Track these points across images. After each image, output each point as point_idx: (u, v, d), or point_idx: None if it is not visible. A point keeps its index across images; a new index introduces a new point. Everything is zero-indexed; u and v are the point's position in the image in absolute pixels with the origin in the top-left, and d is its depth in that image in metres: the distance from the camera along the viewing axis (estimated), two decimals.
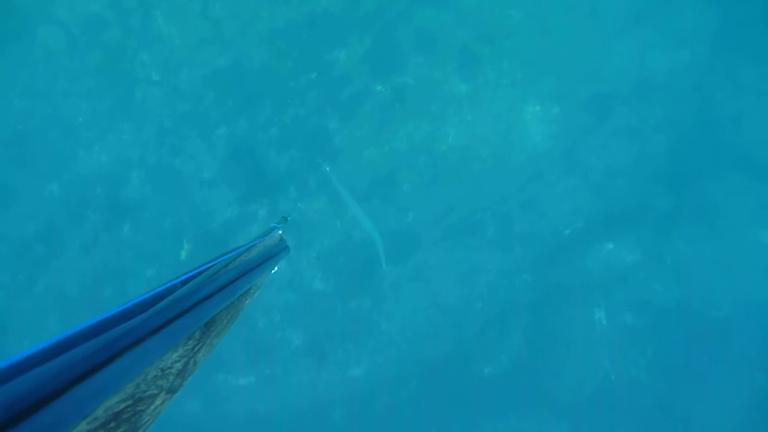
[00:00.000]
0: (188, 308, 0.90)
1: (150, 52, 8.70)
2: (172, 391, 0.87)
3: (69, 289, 9.92)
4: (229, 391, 10.31)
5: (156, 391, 0.81)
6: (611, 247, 9.99)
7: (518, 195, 9.77)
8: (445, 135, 9.23)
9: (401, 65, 8.95)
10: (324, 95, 9.13)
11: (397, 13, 8.78)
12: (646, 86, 9.01)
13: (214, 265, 1.18)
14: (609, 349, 10.27)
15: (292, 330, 10.20)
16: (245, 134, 9.27)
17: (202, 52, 8.82)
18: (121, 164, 9.29)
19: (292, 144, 9.29)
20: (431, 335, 10.51)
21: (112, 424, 0.67)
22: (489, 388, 10.77)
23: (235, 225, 9.55)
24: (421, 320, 10.34)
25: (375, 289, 10.03)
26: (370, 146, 9.26)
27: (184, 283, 1.02)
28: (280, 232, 1.70)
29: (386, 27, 8.83)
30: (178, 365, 0.90)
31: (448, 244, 9.95)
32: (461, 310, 10.45)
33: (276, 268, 1.52)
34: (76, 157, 9.16)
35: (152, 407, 0.80)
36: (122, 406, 0.71)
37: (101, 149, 9.14)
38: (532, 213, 9.88)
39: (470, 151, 9.33)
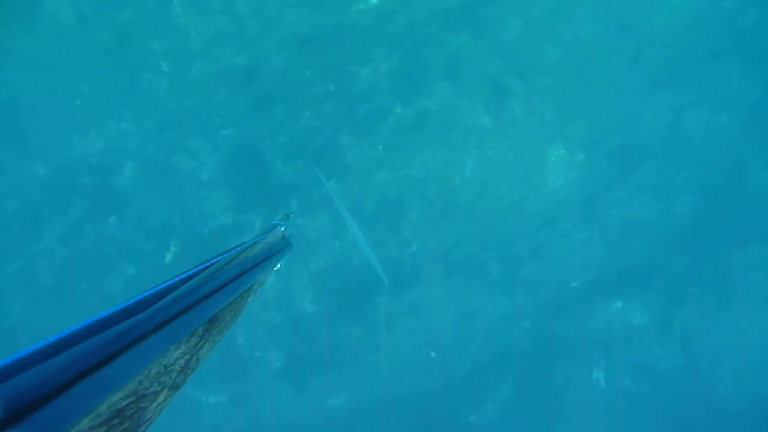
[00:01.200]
0: (192, 305, 0.88)
1: (163, 41, 8.15)
2: (174, 387, 0.85)
3: (42, 277, 9.27)
4: (197, 408, 9.66)
5: (159, 388, 0.79)
6: (619, 306, 9.49)
7: (529, 239, 9.26)
8: (462, 167, 8.73)
9: (426, 89, 8.47)
10: (340, 109, 8.63)
11: (429, 35, 8.32)
12: (678, 144, 8.58)
13: (217, 261, 1.15)
14: (604, 412, 9.73)
15: (273, 350, 9.59)
16: (252, 138, 8.73)
17: (219, 48, 8.29)
18: (116, 153, 8.71)
19: (300, 155, 8.76)
20: (419, 373, 9.94)
21: (115, 421, 0.67)
22: None
23: (229, 232, 8.97)
24: (411, 356, 9.77)
25: (367, 319, 9.46)
26: (381, 168, 8.75)
27: (187, 279, 0.99)
28: (283, 229, 1.66)
29: (415, 47, 8.35)
30: (181, 362, 0.89)
31: (449, 281, 9.41)
32: (454, 350, 9.89)
33: (279, 265, 1.51)
34: (69, 139, 8.57)
35: (155, 404, 0.79)
36: (125, 402, 0.69)
37: (97, 135, 8.56)
38: (541, 260, 9.38)
39: (486, 188, 8.84)
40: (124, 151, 8.69)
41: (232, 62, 8.34)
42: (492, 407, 10.12)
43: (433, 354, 9.60)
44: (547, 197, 8.95)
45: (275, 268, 1.48)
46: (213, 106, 8.63)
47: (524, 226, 9.16)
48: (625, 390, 9.72)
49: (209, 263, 1.12)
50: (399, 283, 9.32)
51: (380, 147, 8.70)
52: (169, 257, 9.04)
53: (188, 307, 0.87)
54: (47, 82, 8.35)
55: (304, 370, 9.68)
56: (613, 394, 9.74)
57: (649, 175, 8.85)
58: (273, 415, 10.02)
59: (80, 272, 8.92)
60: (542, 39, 8.02)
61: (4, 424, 0.47)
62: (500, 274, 9.44)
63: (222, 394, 9.70)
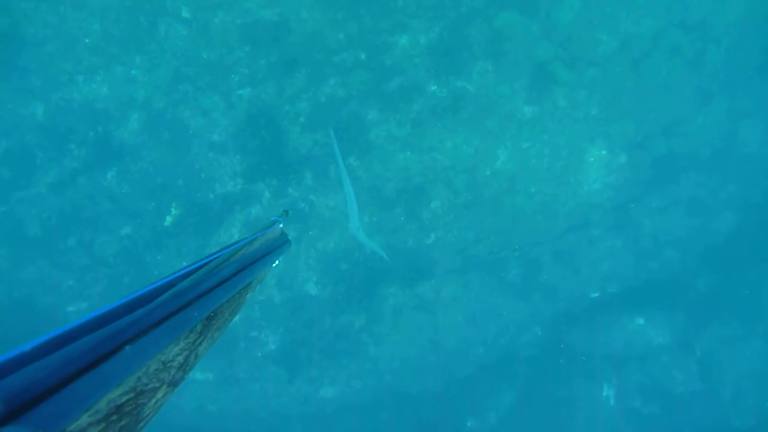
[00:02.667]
0: (190, 301, 0.87)
1: None
2: (173, 384, 0.85)
3: (28, 226, 8.56)
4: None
5: (157, 384, 0.79)
6: (641, 322, 8.95)
7: (554, 242, 8.67)
8: (494, 158, 8.10)
9: (465, 68, 7.81)
10: (370, 81, 7.95)
11: (475, 8, 7.64)
12: (728, 156, 7.99)
13: (216, 258, 1.11)
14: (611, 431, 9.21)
15: (269, 332, 8.97)
16: (271, 102, 8.05)
17: None
18: (122, 102, 8.00)
19: (321, 126, 8.09)
20: (420, 371, 9.36)
21: (114, 417, 0.67)
22: None
23: (235, 201, 8.31)
24: (414, 353, 9.18)
25: (373, 309, 8.85)
26: (407, 150, 8.10)
27: (186, 276, 0.96)
28: (281, 225, 1.61)
29: (459, 21, 7.68)
30: (180, 358, 0.87)
31: (464, 278, 8.81)
32: (460, 351, 9.32)
33: (277, 262, 1.48)
34: (72, 81, 7.84)
35: (153, 400, 0.78)
36: (124, 399, 0.69)
37: (104, 79, 7.84)
38: (564, 265, 8.80)
39: (517, 182, 8.22)
40: (131, 101, 7.98)
41: (259, 15, 7.64)
42: (493, 415, 9.57)
43: None
44: (580, 199, 8.34)
45: (273, 265, 1.47)
46: (232, 62, 7.93)
47: (551, 228, 8.56)
48: (634, 411, 9.20)
49: (208, 259, 1.10)
50: (411, 274, 8.70)
51: (408, 126, 8.05)
52: (169, 220, 8.37)
53: (187, 303, 0.86)
54: (54, 15, 7.61)
55: (299, 356, 9.07)
56: (622, 414, 9.21)
57: (690, 186, 8.26)
58: (260, 399, 9.42)
59: (70, 226, 8.24)
60: (599, 26, 7.36)
61: (4, 420, 0.47)
62: (519, 276, 8.85)
63: (210, 372, 9.07)
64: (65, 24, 7.62)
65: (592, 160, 8.06)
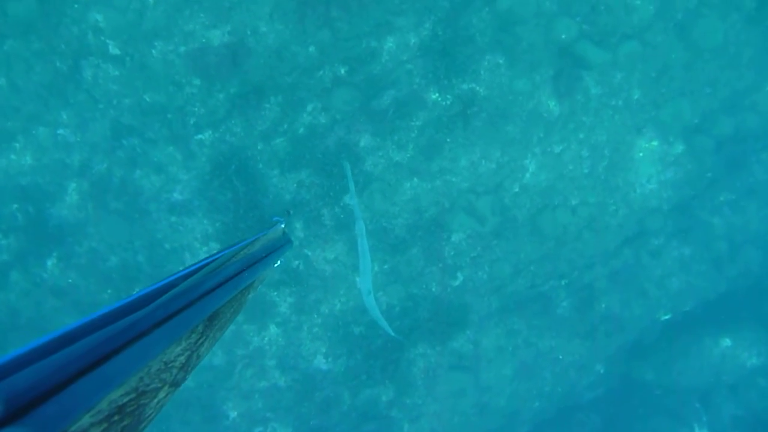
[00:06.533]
0: (192, 301, 0.86)
1: (108, 11, 5.89)
2: (175, 384, 0.84)
3: None
4: None
5: (159, 385, 0.78)
6: (728, 343, 7.29)
7: (609, 261, 7.07)
8: (522, 170, 6.54)
9: (470, 66, 6.30)
10: (355, 99, 6.42)
11: None
12: None
13: (218, 258, 1.09)
14: None
15: (277, 424, 7.24)
16: (239, 143, 6.49)
17: (188, 20, 6.05)
18: (53, 171, 6.41)
19: (304, 163, 6.53)
20: None
21: (116, 417, 0.66)
22: None
23: None
24: (458, 422, 7.46)
25: (400, 377, 7.15)
26: (414, 176, 6.54)
27: (188, 276, 0.93)
28: (283, 225, 1.60)
29: (454, 10, 6.20)
30: (182, 358, 0.87)
31: (506, 322, 7.16)
32: (513, 410, 7.62)
33: (279, 262, 1.47)
34: None
35: (155, 400, 0.78)
36: (126, 399, 0.69)
37: (25, 147, 6.25)
38: (625, 287, 7.18)
39: (553, 196, 6.65)
40: (65, 168, 6.39)
41: (206, 39, 6.11)
42: None
43: None
44: (632, 205, 6.77)
45: (275, 265, 1.44)
46: (183, 102, 6.37)
47: (602, 245, 6.96)
48: None
49: (210, 260, 1.06)
50: (441, 327, 7.05)
51: (411, 147, 6.50)
52: None
53: (189, 303, 0.86)
54: None
55: None
56: None
57: (765, 169, 6.73)
58: None
59: (8, 335, 6.56)
60: None
61: (6, 421, 0.46)
62: (571, 309, 7.22)
63: None
64: None
65: (641, 155, 6.53)
